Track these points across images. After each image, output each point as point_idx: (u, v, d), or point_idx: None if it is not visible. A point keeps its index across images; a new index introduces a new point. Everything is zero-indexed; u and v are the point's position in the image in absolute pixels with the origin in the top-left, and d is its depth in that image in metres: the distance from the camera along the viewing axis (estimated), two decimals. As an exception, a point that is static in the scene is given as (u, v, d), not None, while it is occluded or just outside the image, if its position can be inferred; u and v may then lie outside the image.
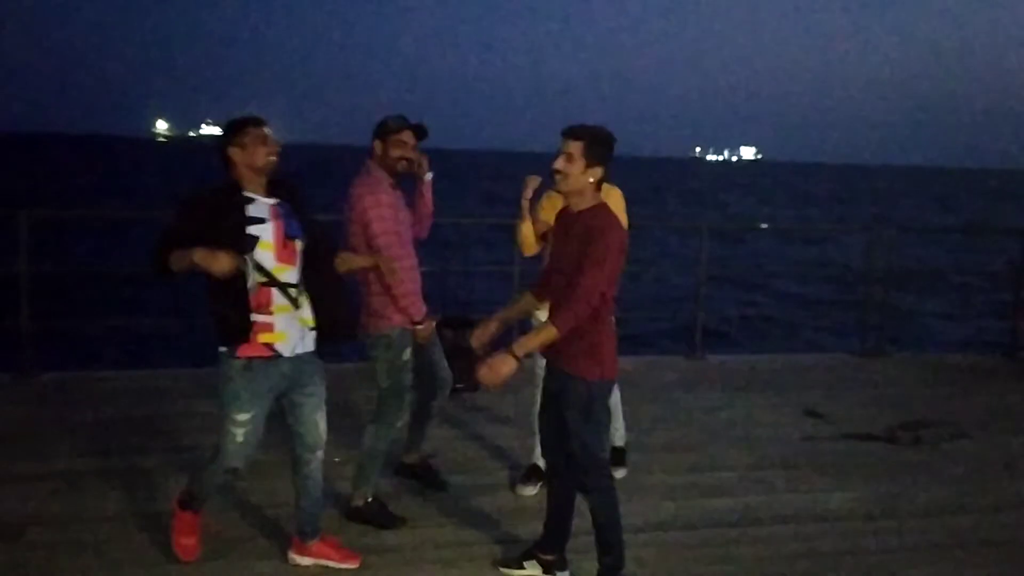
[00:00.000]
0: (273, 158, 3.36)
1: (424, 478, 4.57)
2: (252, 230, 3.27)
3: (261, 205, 3.34)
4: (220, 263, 3.11)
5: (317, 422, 3.57)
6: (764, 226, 41.44)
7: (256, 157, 3.33)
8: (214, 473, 3.49)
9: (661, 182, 75.19)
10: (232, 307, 3.26)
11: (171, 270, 3.20)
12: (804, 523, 4.35)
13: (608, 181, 4.02)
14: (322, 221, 3.66)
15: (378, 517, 4.10)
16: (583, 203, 3.33)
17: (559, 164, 3.27)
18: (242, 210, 3.29)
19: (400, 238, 3.98)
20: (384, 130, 3.98)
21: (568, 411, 3.37)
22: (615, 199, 4.21)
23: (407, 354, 4.03)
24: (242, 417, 3.34)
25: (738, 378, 7.06)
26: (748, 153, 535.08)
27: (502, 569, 3.74)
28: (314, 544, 3.72)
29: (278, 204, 3.38)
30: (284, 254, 3.34)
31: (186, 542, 3.64)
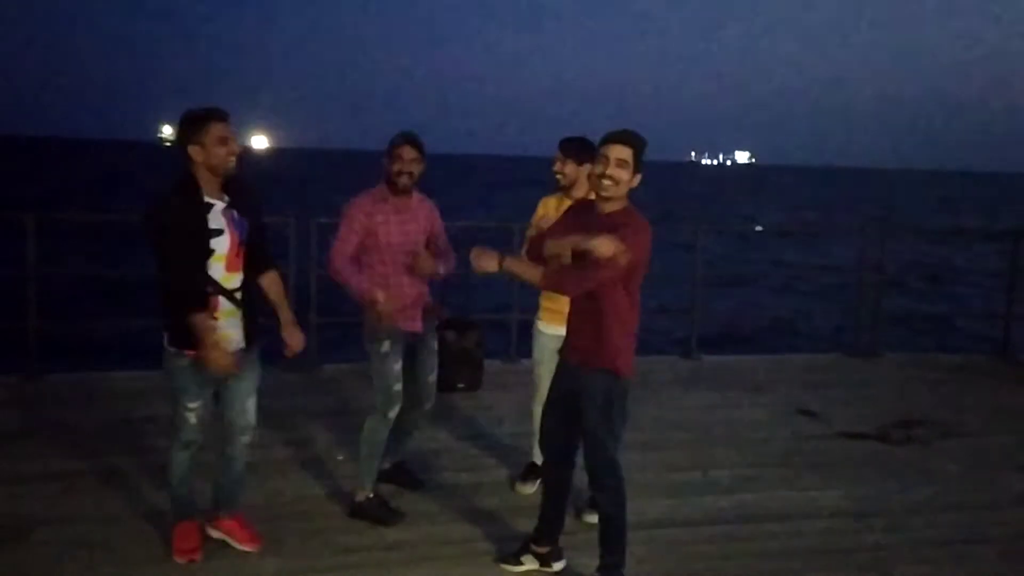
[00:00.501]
0: (233, 159, 3.36)
1: (399, 480, 4.58)
2: (212, 243, 3.36)
3: (218, 213, 3.39)
4: (219, 362, 3.33)
5: (247, 408, 3.70)
6: (759, 228, 41.49)
7: (217, 158, 3.32)
8: (176, 452, 3.63)
9: (661, 186, 75.16)
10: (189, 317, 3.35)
11: (191, 318, 3.30)
12: (798, 521, 4.42)
13: None
14: (262, 222, 3.68)
15: (378, 513, 4.17)
16: (615, 206, 3.37)
17: (612, 171, 3.27)
18: (204, 220, 3.34)
19: (379, 247, 4.12)
20: (388, 147, 4.15)
21: (588, 408, 3.44)
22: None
23: (386, 346, 4.12)
24: (193, 404, 3.52)
25: (733, 378, 7.14)
26: (743, 157, 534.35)
27: (502, 565, 3.81)
28: (225, 519, 3.84)
29: (231, 208, 3.43)
30: (234, 263, 3.45)
31: (184, 546, 3.71)
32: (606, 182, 3.29)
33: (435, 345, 4.42)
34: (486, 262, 3.31)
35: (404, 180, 4.11)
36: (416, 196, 4.29)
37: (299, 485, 4.56)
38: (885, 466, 5.23)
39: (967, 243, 28.84)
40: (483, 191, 61.88)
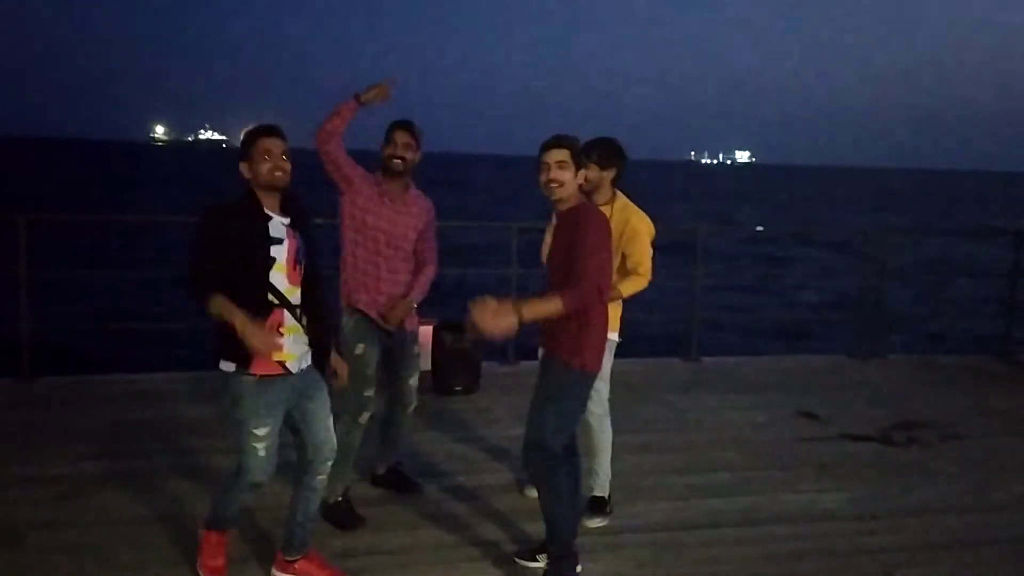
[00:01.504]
0: (279, 174, 3.25)
1: (396, 485, 4.53)
2: (272, 251, 3.24)
3: (278, 224, 3.29)
4: (260, 341, 3.07)
5: (327, 424, 3.50)
6: (759, 228, 41.53)
7: (261, 172, 3.24)
8: (240, 491, 3.40)
9: (661, 186, 75.36)
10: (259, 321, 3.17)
11: (206, 302, 3.11)
12: (800, 523, 4.38)
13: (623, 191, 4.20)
14: (315, 238, 3.59)
15: (341, 518, 4.12)
16: (570, 204, 3.47)
17: (555, 174, 3.41)
18: (265, 228, 3.25)
19: (365, 234, 4.09)
20: (385, 138, 4.14)
21: (538, 390, 3.48)
22: (636, 223, 4.16)
23: (359, 348, 4.08)
24: (262, 431, 3.27)
25: (734, 380, 7.11)
26: (743, 156, 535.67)
27: (516, 559, 3.79)
28: (298, 561, 3.63)
29: (291, 224, 3.34)
30: (294, 276, 3.32)
31: (212, 564, 3.55)
32: (553, 186, 3.43)
33: (416, 348, 4.34)
34: (503, 320, 3.13)
35: (397, 164, 4.07)
36: (413, 191, 4.25)
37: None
38: (887, 468, 5.19)
39: (969, 243, 28.82)
40: (484, 188, 61.91)
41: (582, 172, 3.46)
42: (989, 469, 5.22)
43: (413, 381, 4.35)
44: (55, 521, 4.06)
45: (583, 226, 3.34)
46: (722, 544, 4.12)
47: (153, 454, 4.91)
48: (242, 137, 3.33)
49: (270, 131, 3.29)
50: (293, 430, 3.47)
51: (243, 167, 3.27)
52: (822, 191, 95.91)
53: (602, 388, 4.18)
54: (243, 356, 3.18)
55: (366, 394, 4.09)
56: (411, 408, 4.41)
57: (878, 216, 50.62)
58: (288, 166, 3.26)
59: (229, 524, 3.58)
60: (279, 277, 3.26)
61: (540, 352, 3.76)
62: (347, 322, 4.13)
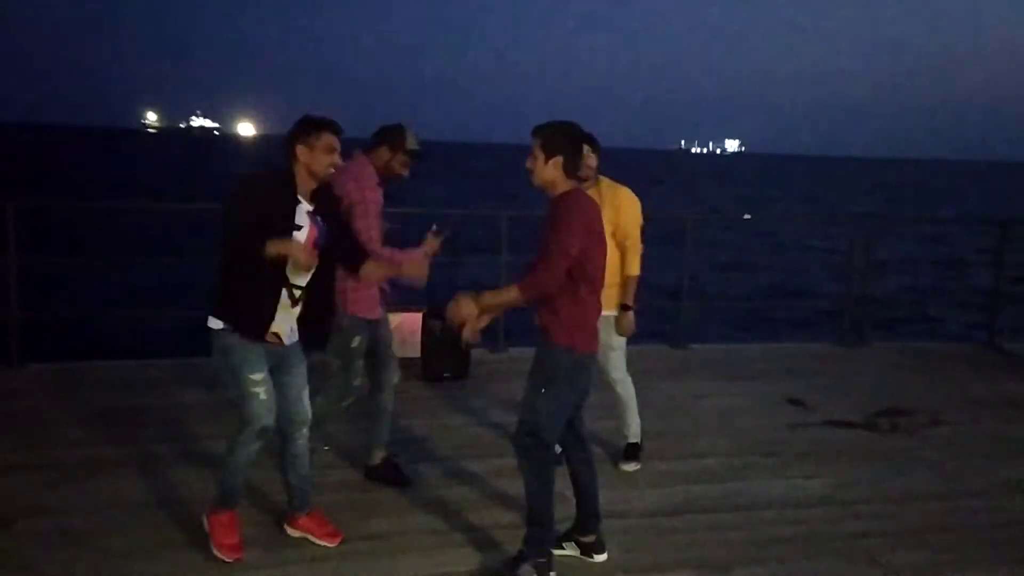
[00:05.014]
0: (332, 171, 3.50)
1: (387, 477, 4.52)
2: (293, 236, 3.40)
3: (303, 211, 3.47)
4: (306, 256, 3.31)
5: (303, 398, 3.69)
6: (747, 217, 41.60)
7: (319, 164, 3.45)
8: (247, 443, 3.50)
9: (651, 174, 75.32)
10: (263, 297, 3.41)
11: (261, 250, 3.27)
12: (786, 508, 4.43)
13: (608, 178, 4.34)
14: (347, 227, 3.84)
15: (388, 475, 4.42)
16: (558, 191, 3.46)
17: (528, 164, 3.46)
18: (293, 212, 3.42)
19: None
20: (398, 141, 4.18)
21: (531, 374, 3.51)
22: (626, 198, 4.47)
23: (356, 341, 4.19)
24: (258, 376, 3.44)
25: (721, 367, 7.16)
26: (732, 146, 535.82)
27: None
28: (302, 518, 3.85)
29: (316, 212, 3.51)
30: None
31: (229, 542, 3.63)
32: (530, 175, 3.47)
33: (389, 322, 4.52)
34: (463, 308, 3.38)
35: (397, 181, 4.25)
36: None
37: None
38: (872, 455, 5.24)
39: (954, 232, 28.96)
40: (472, 176, 61.75)
41: (557, 159, 3.40)
42: (972, 456, 5.28)
43: (393, 350, 4.50)
44: (45, 507, 4.07)
45: (552, 214, 3.39)
46: (708, 529, 4.16)
47: (143, 441, 4.92)
48: (303, 121, 3.47)
49: (336, 127, 3.49)
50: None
51: (301, 150, 3.43)
52: (813, 180, 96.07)
53: (614, 357, 4.69)
54: (243, 323, 3.41)
55: (355, 383, 4.27)
56: (396, 378, 4.49)
57: (867, 205, 50.76)
58: (340, 163, 3.55)
59: (236, 499, 3.68)
60: (290, 262, 3.42)
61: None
62: (346, 320, 4.15)
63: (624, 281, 4.53)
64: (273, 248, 3.25)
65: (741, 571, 3.79)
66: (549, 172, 3.42)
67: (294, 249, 3.30)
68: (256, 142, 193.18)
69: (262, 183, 3.43)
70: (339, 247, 3.65)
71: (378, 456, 4.52)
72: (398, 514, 4.16)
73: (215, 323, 3.44)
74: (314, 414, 4.00)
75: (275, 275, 3.42)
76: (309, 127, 3.45)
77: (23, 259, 6.30)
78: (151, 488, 4.30)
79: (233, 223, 3.30)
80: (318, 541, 3.80)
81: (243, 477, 3.64)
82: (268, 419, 3.48)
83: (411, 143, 4.19)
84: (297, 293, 3.52)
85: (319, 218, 3.52)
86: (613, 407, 4.87)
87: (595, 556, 3.77)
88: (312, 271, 3.45)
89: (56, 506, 4.09)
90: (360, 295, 4.16)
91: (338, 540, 3.81)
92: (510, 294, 3.40)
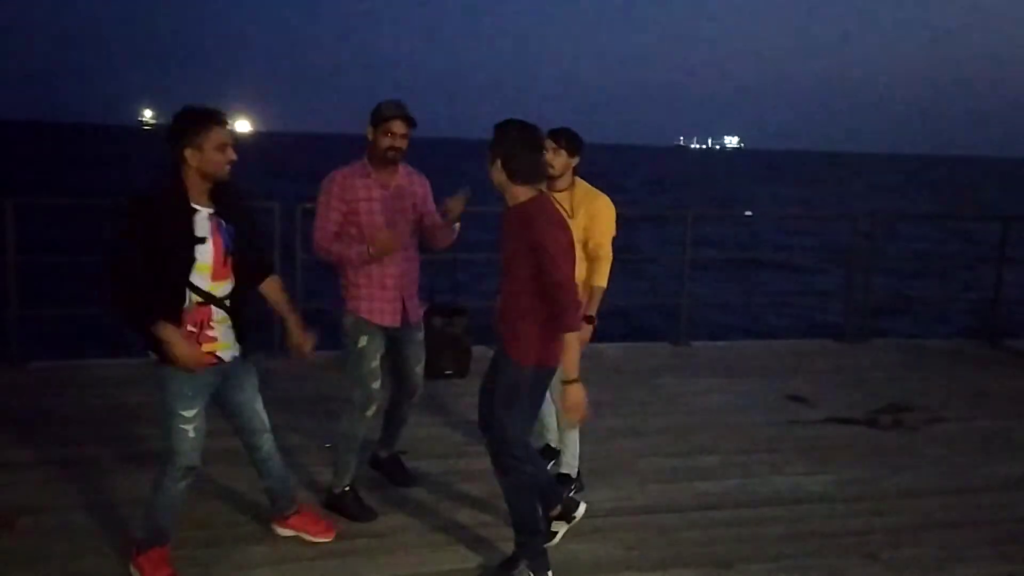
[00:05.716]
0: (228, 168, 3.17)
1: (391, 474, 4.49)
2: (196, 251, 3.15)
3: (203, 220, 3.18)
4: (183, 353, 3.10)
5: (257, 410, 3.54)
6: (748, 213, 41.57)
7: (211, 165, 3.12)
8: (172, 482, 3.32)
9: (648, 171, 75.32)
10: (176, 316, 3.17)
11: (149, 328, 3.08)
12: (787, 505, 4.43)
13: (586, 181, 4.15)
14: (255, 223, 3.51)
15: (352, 509, 4.07)
16: (518, 200, 3.33)
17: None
18: (189, 226, 3.14)
19: (360, 228, 3.91)
20: (376, 117, 3.90)
21: (496, 390, 3.47)
22: (604, 206, 4.17)
23: (363, 341, 3.97)
24: (190, 413, 3.25)
25: (722, 363, 7.15)
26: (731, 142, 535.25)
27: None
28: (291, 517, 3.80)
29: (217, 215, 3.22)
30: (221, 271, 3.25)
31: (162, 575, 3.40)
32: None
33: (420, 336, 4.23)
34: (579, 396, 3.29)
35: (392, 156, 3.89)
36: (403, 169, 4.03)
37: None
38: (873, 451, 5.24)
39: (956, 228, 28.96)
40: (473, 172, 61.75)
41: (499, 162, 3.28)
42: (973, 452, 5.27)
43: (420, 368, 4.26)
44: (46, 505, 4.06)
45: (537, 232, 3.21)
46: (709, 526, 4.16)
47: (144, 438, 4.91)
48: (184, 119, 3.11)
49: (222, 119, 3.14)
50: (227, 416, 3.52)
51: (190, 153, 3.09)
52: (813, 177, 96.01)
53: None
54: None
55: (373, 387, 4.00)
56: (418, 393, 4.31)
57: (867, 201, 50.72)
58: (235, 157, 3.18)
59: (165, 536, 3.44)
60: (201, 277, 3.20)
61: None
62: (348, 319, 3.99)
63: (589, 292, 4.17)
64: (161, 334, 3.07)
65: (743, 567, 3.78)
66: (496, 176, 3.31)
67: (178, 347, 3.08)
68: (252, 139, 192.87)
69: (151, 204, 3.12)
70: (243, 255, 3.33)
71: (385, 452, 4.51)
72: (395, 511, 4.15)
73: (154, 356, 3.21)
74: (343, 434, 4.00)
75: (183, 294, 3.17)
76: (194, 125, 3.08)
77: (22, 257, 6.29)
78: (150, 485, 4.28)
79: (123, 273, 3.08)
80: (313, 538, 3.76)
81: (173, 515, 3.42)
82: (193, 458, 3.30)
83: (387, 111, 3.86)
84: (228, 304, 3.29)
85: (223, 221, 3.23)
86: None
87: (575, 514, 3.77)
88: (200, 362, 3.19)
89: (57, 504, 4.08)
90: (360, 292, 3.95)
91: (333, 535, 3.78)
92: (572, 345, 3.27)
